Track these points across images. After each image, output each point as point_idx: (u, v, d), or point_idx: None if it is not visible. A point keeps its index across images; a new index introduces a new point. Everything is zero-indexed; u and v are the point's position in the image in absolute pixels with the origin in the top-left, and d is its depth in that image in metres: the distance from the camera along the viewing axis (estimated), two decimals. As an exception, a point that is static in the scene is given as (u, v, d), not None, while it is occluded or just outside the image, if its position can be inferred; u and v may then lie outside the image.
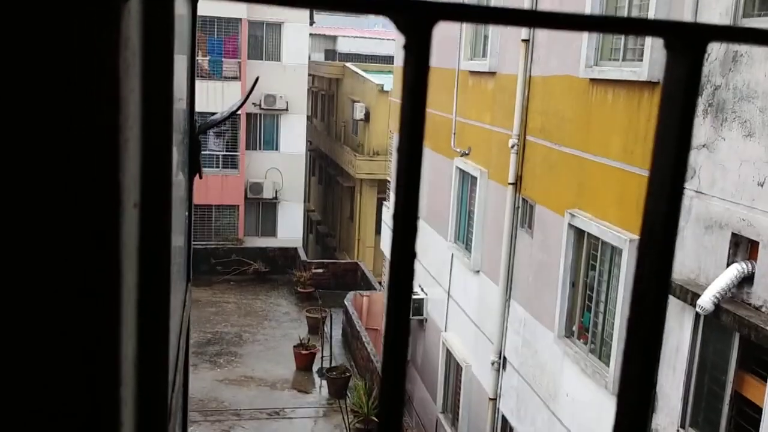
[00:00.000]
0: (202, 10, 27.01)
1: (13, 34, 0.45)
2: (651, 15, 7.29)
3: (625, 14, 8.06)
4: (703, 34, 0.54)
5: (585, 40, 8.55)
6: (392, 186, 17.91)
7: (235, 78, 25.14)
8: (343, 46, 36.15)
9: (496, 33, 11.30)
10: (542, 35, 9.92)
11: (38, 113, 0.46)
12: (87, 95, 0.46)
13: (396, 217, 0.52)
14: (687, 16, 6.74)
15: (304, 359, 17.44)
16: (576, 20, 0.53)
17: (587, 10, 8.50)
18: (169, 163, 0.75)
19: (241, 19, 25.06)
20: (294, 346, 17.70)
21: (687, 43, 0.53)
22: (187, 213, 1.76)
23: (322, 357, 17.44)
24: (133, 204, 0.59)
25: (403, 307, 0.51)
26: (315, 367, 17.51)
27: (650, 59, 7.22)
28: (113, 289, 0.50)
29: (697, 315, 6.40)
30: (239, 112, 24.88)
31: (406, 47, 0.51)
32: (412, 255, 0.52)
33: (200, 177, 1.86)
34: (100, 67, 0.45)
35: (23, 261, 0.49)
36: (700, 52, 0.53)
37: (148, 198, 0.66)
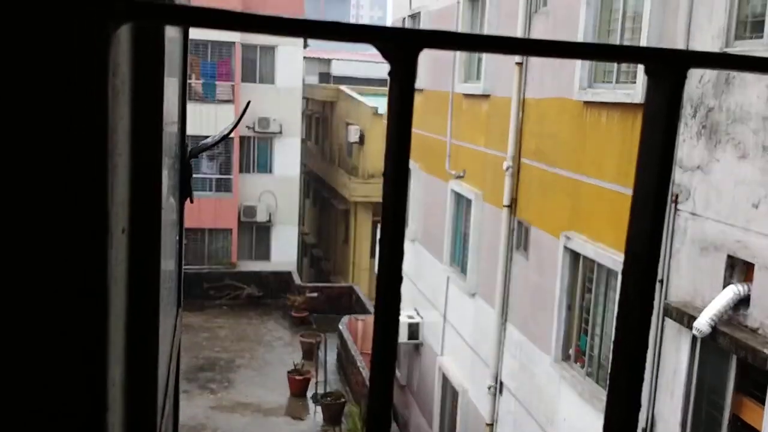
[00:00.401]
0: (196, 33, 27.21)
1: (3, 61, 0.45)
2: (644, 37, 7.36)
3: (618, 37, 8.14)
4: (683, 61, 0.54)
5: (578, 63, 8.62)
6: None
7: (228, 101, 25.22)
8: (337, 69, 36.37)
9: (490, 56, 11.39)
10: (535, 58, 10.00)
11: (27, 138, 0.46)
12: (75, 122, 0.46)
13: (383, 240, 0.52)
14: (679, 39, 6.81)
15: (299, 385, 17.29)
16: (558, 47, 0.53)
17: (580, 34, 8.59)
18: (159, 189, 0.74)
19: (234, 42, 25.20)
20: (288, 372, 17.56)
21: (667, 69, 0.53)
22: (177, 237, 1.76)
23: (316, 382, 17.30)
24: (121, 229, 0.59)
25: (391, 330, 0.51)
26: (309, 393, 17.36)
27: (644, 81, 7.28)
28: (100, 314, 0.50)
29: (694, 338, 6.38)
30: (232, 135, 24.94)
31: (390, 74, 0.51)
32: (399, 278, 0.52)
33: (191, 201, 1.86)
34: (89, 94, 0.45)
35: (7, 286, 0.49)
36: (680, 78, 0.54)
37: (137, 223, 0.65)
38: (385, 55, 0.51)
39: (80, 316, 0.51)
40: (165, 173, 1.34)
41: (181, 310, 1.75)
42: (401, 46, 0.50)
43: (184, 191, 1.75)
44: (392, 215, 0.50)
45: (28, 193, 0.47)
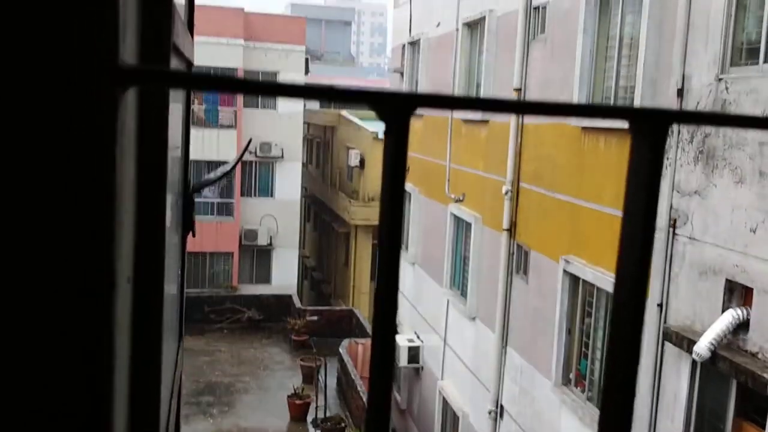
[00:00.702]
0: (198, 59, 27.39)
1: (17, 120, 0.48)
2: (640, 63, 7.43)
3: (615, 63, 8.22)
4: (665, 118, 0.57)
5: (576, 89, 8.70)
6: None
7: (230, 126, 25.37)
8: (338, 95, 36.56)
9: (488, 82, 11.49)
10: (534, 84, 10.08)
11: (40, 198, 0.48)
12: (84, 182, 0.48)
13: (377, 300, 0.55)
14: (676, 65, 6.88)
15: (299, 409, 17.18)
16: (545, 107, 0.57)
17: (577, 59, 8.67)
18: (163, 236, 0.77)
19: (237, 68, 25.41)
20: (288, 396, 17.47)
21: (650, 126, 0.56)
22: (179, 271, 1.78)
23: (316, 407, 17.19)
24: (126, 279, 0.61)
25: (388, 354, 0.53)
26: (309, 418, 17.25)
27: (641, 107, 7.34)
28: (105, 363, 0.52)
29: (694, 362, 6.37)
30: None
31: (386, 133, 0.54)
32: (393, 332, 0.54)
33: (194, 236, 1.89)
34: (97, 157, 0.48)
35: (15, 334, 0.51)
36: (662, 135, 0.57)
37: (141, 272, 0.68)
38: (380, 116, 0.54)
39: (88, 364, 0.52)
40: (168, 212, 1.37)
41: (182, 344, 1.76)
42: (395, 107, 0.53)
43: (186, 226, 1.78)
44: (386, 269, 0.53)
45: (38, 247, 0.49)
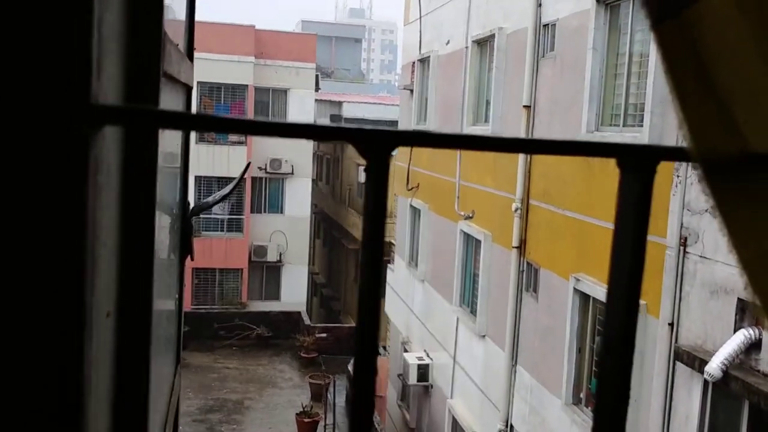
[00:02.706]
0: (209, 76, 27.36)
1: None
2: (650, 81, 7.41)
3: (624, 80, 8.20)
4: (652, 155, 0.56)
5: (586, 105, 8.69)
6: (396, 248, 17.75)
7: (240, 143, 25.49)
8: (348, 111, 36.76)
9: (498, 98, 11.50)
10: (543, 101, 10.08)
11: (5, 237, 0.47)
12: (53, 224, 0.47)
13: (360, 312, 0.54)
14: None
15: (307, 427, 17.10)
16: (526, 144, 0.56)
17: (587, 78, 8.67)
18: (150, 271, 0.77)
19: (247, 85, 25.58)
20: (296, 414, 17.39)
21: (638, 163, 0.56)
22: (177, 296, 1.78)
23: (325, 425, 17.11)
24: (105, 314, 0.60)
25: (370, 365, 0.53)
26: (319, 435, 17.16)
27: (650, 124, 7.32)
28: (76, 398, 0.51)
29: (706, 382, 6.30)
30: (244, 177, 25.14)
31: (366, 170, 0.53)
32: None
33: (192, 259, 1.88)
34: (65, 195, 0.47)
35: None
36: (650, 172, 0.56)
37: (126, 305, 0.67)
38: (361, 153, 0.53)
39: (59, 399, 0.51)
40: (165, 236, 1.37)
41: (180, 366, 1.75)
42: (375, 144, 0.52)
43: (185, 249, 1.78)
44: (367, 288, 0.52)
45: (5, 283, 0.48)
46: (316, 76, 27.42)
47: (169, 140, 1.32)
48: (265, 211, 26.81)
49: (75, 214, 0.47)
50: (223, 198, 2.34)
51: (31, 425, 0.49)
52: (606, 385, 0.56)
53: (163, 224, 1.26)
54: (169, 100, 1.25)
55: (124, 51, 0.71)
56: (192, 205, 1.94)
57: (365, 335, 0.49)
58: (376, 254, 0.53)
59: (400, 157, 16.69)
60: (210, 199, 2.32)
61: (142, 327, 0.73)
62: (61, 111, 0.46)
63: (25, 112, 0.46)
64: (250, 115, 25.72)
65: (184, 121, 0.44)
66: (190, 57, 1.84)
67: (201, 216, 25.16)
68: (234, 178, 26.15)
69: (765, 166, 0.51)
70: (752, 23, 0.47)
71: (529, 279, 10.34)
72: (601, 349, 0.57)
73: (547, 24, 9.95)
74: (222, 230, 25.93)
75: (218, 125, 0.48)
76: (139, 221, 0.70)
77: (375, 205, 0.53)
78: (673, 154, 0.56)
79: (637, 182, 0.55)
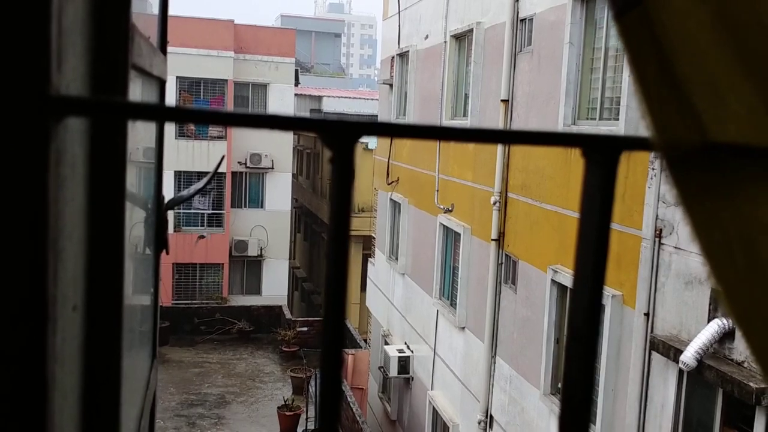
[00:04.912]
0: (189, 71, 27.15)
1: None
2: (625, 77, 7.48)
3: (601, 74, 8.26)
4: (616, 145, 0.57)
5: (562, 99, 8.75)
6: (377, 241, 17.73)
7: (220, 137, 25.33)
8: (328, 106, 36.68)
9: (476, 93, 11.53)
10: (521, 95, 10.13)
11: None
12: (9, 213, 0.47)
13: (326, 305, 0.55)
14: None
15: (289, 421, 17.10)
16: (493, 134, 0.56)
17: (564, 72, 8.72)
18: (121, 263, 0.76)
19: (227, 80, 25.41)
20: (278, 408, 17.38)
21: (602, 153, 0.56)
22: (153, 290, 1.77)
23: (306, 418, 17.12)
24: (72, 307, 0.60)
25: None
26: (300, 429, 17.16)
27: (626, 118, 7.39)
28: (38, 397, 0.50)
29: (681, 371, 6.39)
30: (224, 170, 25.00)
31: (331, 160, 0.54)
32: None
33: (167, 253, 1.88)
34: (24, 186, 0.47)
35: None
36: (614, 162, 0.57)
37: (95, 298, 0.67)
38: (325, 143, 0.54)
39: (17, 397, 0.50)
40: (139, 222, 1.36)
41: (156, 361, 1.75)
42: (339, 134, 0.53)
43: (160, 243, 1.77)
44: (334, 287, 0.52)
45: None
46: (296, 70, 27.30)
47: (142, 133, 1.31)
48: (245, 206, 26.70)
49: (35, 206, 0.47)
50: (199, 191, 2.34)
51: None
52: (572, 371, 0.56)
53: (137, 218, 1.26)
54: (140, 94, 1.24)
55: (89, 44, 0.70)
56: (167, 199, 1.93)
57: (333, 332, 0.50)
58: (341, 246, 0.54)
59: (380, 151, 16.69)
60: (185, 192, 2.32)
61: (112, 320, 0.73)
62: (17, 102, 0.46)
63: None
64: (230, 109, 25.55)
65: (144, 112, 0.44)
66: (164, 51, 1.83)
67: (182, 211, 24.98)
68: (217, 173, 26.06)
69: (724, 155, 0.52)
70: (711, 11, 0.48)
71: (507, 271, 10.41)
72: (567, 335, 0.58)
73: (525, 18, 9.99)
74: (202, 225, 25.79)
75: (183, 116, 0.47)
76: (107, 214, 0.70)
77: (340, 198, 0.53)
78: (637, 143, 0.57)
79: (601, 171, 0.55)
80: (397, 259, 15.56)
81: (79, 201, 0.63)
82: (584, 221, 0.58)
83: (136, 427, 1.22)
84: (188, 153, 24.58)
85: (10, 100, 0.46)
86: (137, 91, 1.17)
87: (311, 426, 16.92)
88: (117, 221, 0.72)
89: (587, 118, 8.55)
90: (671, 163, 0.56)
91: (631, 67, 0.54)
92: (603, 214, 0.57)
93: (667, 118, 0.55)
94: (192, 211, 25.09)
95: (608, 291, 7.64)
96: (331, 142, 0.51)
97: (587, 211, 0.58)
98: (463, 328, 11.93)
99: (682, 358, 6.07)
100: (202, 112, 0.48)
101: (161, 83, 1.73)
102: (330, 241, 0.54)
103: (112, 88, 0.75)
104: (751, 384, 5.52)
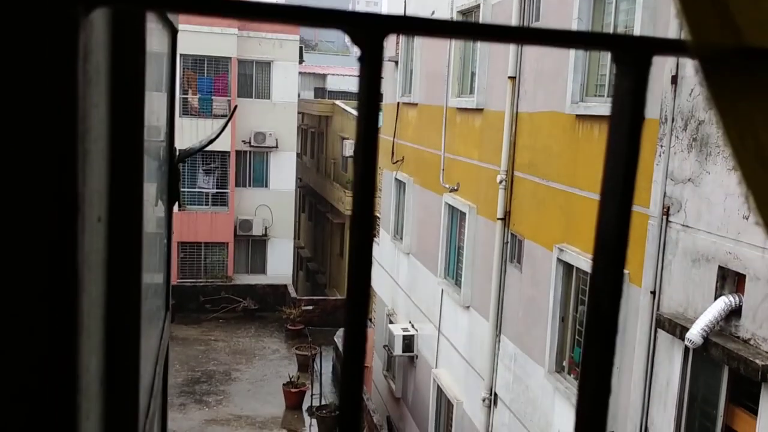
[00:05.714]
0: (192, 49, 27.12)
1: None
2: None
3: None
4: (647, 47, 0.56)
5: (570, 76, 8.68)
6: (381, 221, 17.75)
7: (224, 116, 25.26)
8: (332, 84, 36.54)
9: (483, 70, 11.46)
10: (529, 72, 10.06)
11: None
12: (43, 105, 0.46)
13: (352, 232, 0.53)
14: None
15: (294, 398, 17.22)
16: (522, 33, 0.55)
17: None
18: (140, 179, 0.75)
19: (231, 57, 25.30)
20: (283, 384, 17.50)
21: (633, 55, 0.55)
22: (166, 240, 1.76)
23: (312, 395, 17.24)
24: (97, 218, 0.59)
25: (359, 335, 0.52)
26: (305, 406, 17.29)
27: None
28: (71, 300, 0.50)
29: (687, 349, 6.39)
30: (228, 149, 24.98)
31: (360, 59, 0.52)
32: (367, 288, 0.52)
33: (180, 207, 1.87)
34: (56, 77, 0.46)
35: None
36: (645, 65, 0.55)
37: (116, 214, 0.66)
38: (354, 40, 0.52)
39: (50, 301, 0.50)
40: (152, 172, 1.35)
41: (169, 313, 1.75)
42: (369, 29, 0.51)
43: (173, 195, 1.76)
44: (361, 201, 0.51)
45: None
46: (300, 48, 27.16)
47: (154, 66, 1.30)
48: (249, 186, 26.70)
49: (65, 95, 0.46)
50: (210, 141, 2.34)
51: (27, 313, 0.48)
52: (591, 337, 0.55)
53: (153, 166, 1.25)
54: (155, 43, 1.22)
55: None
56: (179, 151, 1.93)
57: (358, 268, 0.48)
58: (369, 149, 0.52)
59: (385, 130, 16.64)
60: (196, 143, 2.30)
61: (133, 232, 0.72)
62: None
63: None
64: (233, 89, 25.49)
65: (180, 2, 0.42)
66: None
67: (186, 190, 24.99)
68: (221, 152, 25.73)
69: (759, 59, 0.50)
70: None
71: (513, 250, 10.40)
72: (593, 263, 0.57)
73: (534, -6, 9.89)
74: (207, 204, 25.82)
75: (201, 5, 0.46)
76: (128, 122, 0.69)
77: (368, 100, 0.52)
78: (669, 45, 0.56)
79: (632, 75, 0.54)
80: (401, 238, 15.56)
81: (102, 110, 0.62)
82: (614, 129, 0.57)
83: (152, 370, 1.22)
84: (192, 131, 24.54)
85: None
86: (152, 39, 1.15)
87: (316, 402, 17.04)
88: (138, 134, 0.71)
89: (595, 95, 8.49)
90: (704, 66, 0.54)
91: None
92: (634, 120, 0.55)
93: (701, 20, 0.53)
94: (196, 190, 25.11)
95: (614, 269, 7.62)
96: (360, 36, 0.50)
97: (618, 118, 0.56)
98: (468, 307, 11.95)
99: (688, 335, 6.07)
100: (227, 3, 0.46)
101: (173, 32, 1.71)
102: (357, 143, 0.53)
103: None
104: (757, 361, 5.52)
